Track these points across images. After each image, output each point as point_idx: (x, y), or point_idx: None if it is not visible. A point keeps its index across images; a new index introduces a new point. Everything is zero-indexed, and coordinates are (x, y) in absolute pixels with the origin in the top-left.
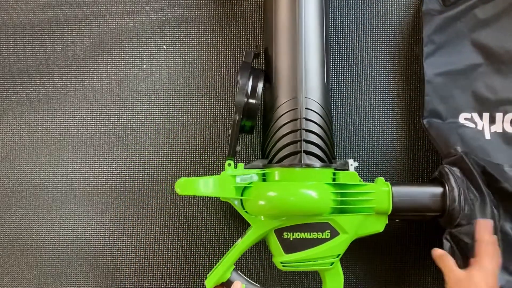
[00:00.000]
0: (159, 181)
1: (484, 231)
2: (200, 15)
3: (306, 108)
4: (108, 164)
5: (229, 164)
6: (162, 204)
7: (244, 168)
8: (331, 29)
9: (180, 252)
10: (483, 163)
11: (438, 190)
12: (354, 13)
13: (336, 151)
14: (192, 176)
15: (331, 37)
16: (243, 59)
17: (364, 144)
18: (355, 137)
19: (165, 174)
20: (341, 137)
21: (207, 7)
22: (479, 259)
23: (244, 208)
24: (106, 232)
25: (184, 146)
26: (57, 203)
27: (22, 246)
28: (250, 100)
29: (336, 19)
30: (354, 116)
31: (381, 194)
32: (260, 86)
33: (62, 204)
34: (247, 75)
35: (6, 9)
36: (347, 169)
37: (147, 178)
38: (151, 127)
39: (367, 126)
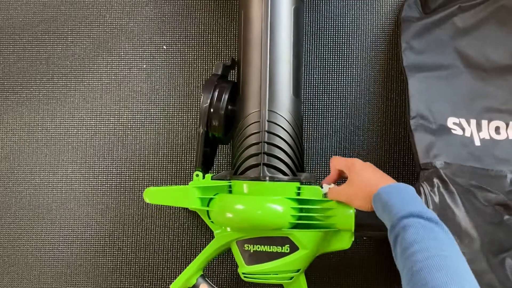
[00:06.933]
0: (159, 181)
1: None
2: (200, 15)
3: (269, 121)
4: (108, 164)
5: (197, 175)
6: (162, 204)
7: (212, 179)
8: (325, 34)
9: (180, 252)
10: (469, 177)
11: None
12: (352, 13)
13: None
14: (192, 176)
15: (332, 41)
16: (212, 71)
17: (355, 144)
18: (355, 136)
19: (165, 174)
20: (340, 137)
21: (207, 7)
22: (347, 171)
23: (210, 218)
24: (106, 232)
25: (184, 146)
26: (57, 203)
27: (22, 246)
28: (214, 111)
29: (334, 21)
30: (347, 118)
31: (343, 211)
32: (225, 97)
33: (62, 204)
34: (211, 87)
35: (6, 9)
36: (313, 182)
37: (147, 178)
38: (151, 127)
39: (365, 127)
